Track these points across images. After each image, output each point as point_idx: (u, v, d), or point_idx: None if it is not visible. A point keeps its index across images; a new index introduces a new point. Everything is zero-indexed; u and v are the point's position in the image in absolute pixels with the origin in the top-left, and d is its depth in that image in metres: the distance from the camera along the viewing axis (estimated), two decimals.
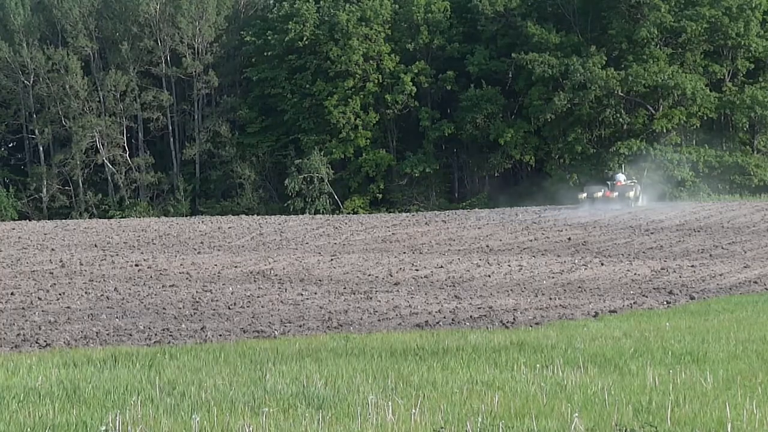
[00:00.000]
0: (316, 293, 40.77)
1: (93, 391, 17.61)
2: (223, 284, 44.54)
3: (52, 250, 62.25)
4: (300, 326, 31.03)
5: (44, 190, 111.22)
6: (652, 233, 67.11)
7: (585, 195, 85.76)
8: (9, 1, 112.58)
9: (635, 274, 47.90)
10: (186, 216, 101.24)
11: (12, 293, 40.76)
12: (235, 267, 51.83)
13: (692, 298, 39.15)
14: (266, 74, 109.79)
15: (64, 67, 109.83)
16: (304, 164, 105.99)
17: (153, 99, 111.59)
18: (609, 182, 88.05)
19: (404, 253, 58.75)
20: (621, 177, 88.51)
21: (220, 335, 28.84)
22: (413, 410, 14.98)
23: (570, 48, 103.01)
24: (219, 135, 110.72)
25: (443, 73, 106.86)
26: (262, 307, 36.44)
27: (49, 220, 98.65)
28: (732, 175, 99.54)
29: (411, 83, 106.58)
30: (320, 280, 46.47)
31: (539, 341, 24.47)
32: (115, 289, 42.35)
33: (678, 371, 18.85)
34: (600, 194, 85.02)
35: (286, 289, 42.09)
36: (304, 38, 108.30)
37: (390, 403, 15.32)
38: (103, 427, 14.13)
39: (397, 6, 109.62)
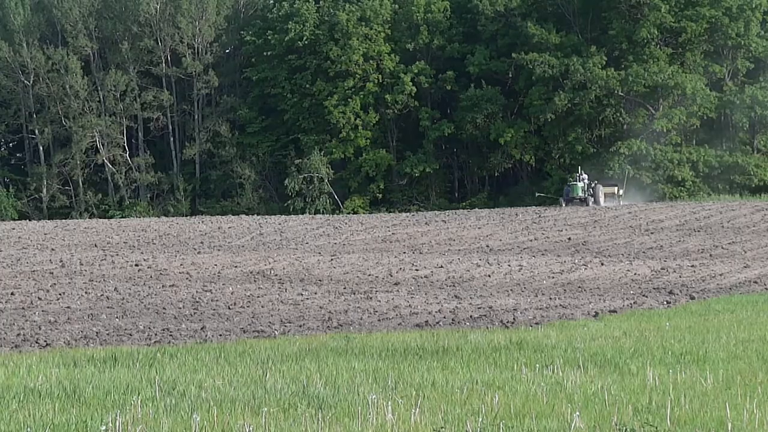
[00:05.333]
0: (316, 293, 40.78)
1: (93, 391, 17.61)
2: (223, 284, 44.54)
3: (52, 250, 62.25)
4: (300, 326, 31.04)
5: (44, 190, 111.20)
6: (652, 233, 67.12)
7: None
8: (9, 1, 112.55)
9: (635, 274, 47.91)
10: (186, 216, 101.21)
11: (12, 293, 40.75)
12: (235, 267, 51.83)
13: (692, 298, 39.16)
14: (266, 74, 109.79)
15: (64, 67, 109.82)
16: (304, 164, 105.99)
17: (153, 99, 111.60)
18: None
19: (404, 253, 58.75)
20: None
21: (220, 335, 28.84)
22: (413, 410, 14.98)
23: (570, 48, 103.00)
24: (219, 135, 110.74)
25: (443, 73, 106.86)
26: (262, 307, 36.46)
27: (49, 220, 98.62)
28: (732, 175, 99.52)
29: (411, 83, 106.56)
30: (320, 280, 46.47)
31: (539, 341, 24.47)
32: (115, 289, 42.35)
33: (678, 371, 18.85)
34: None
35: (286, 289, 42.10)
36: (304, 38, 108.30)
37: (390, 403, 15.32)
38: (103, 427, 14.13)
39: (397, 6, 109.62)
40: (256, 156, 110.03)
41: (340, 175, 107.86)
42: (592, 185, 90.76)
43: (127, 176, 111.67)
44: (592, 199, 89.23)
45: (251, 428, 14.03)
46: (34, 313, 34.49)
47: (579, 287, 43.64)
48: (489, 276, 47.66)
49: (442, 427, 14.17)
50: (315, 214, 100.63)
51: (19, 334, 29.15)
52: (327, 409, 15.57)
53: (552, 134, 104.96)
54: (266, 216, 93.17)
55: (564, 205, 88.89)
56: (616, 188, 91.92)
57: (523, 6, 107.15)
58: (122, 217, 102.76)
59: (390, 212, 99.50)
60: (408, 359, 21.66)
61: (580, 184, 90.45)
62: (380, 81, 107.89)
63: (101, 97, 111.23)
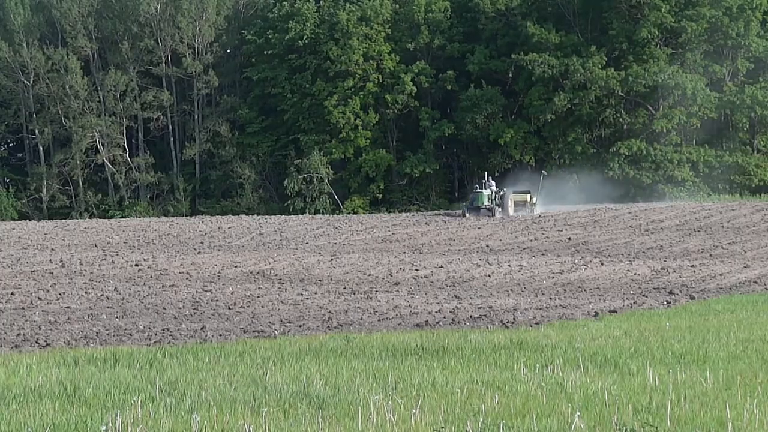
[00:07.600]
0: (316, 293, 40.78)
1: (93, 391, 17.61)
2: (223, 284, 44.55)
3: (52, 250, 62.25)
4: (300, 326, 31.04)
5: (44, 190, 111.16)
6: (652, 233, 67.12)
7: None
8: (9, 1, 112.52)
9: (635, 274, 47.91)
10: (186, 216, 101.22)
11: (12, 293, 40.76)
12: (235, 267, 51.83)
13: (692, 298, 39.16)
14: (266, 74, 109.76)
15: (64, 67, 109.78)
16: (304, 164, 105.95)
17: (153, 99, 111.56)
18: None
19: (404, 253, 58.76)
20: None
21: (220, 335, 28.85)
22: (413, 410, 14.98)
23: (570, 48, 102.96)
24: (219, 135, 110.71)
25: (443, 73, 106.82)
26: (262, 307, 36.46)
27: (49, 220, 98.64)
28: (732, 175, 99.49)
29: (411, 83, 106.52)
30: (320, 280, 46.48)
31: (539, 341, 24.47)
32: (115, 289, 42.36)
33: (678, 371, 18.85)
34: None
35: (286, 289, 42.11)
36: (304, 38, 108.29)
37: (390, 403, 15.32)
38: (103, 427, 14.13)
39: (397, 5, 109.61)
40: (256, 156, 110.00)
41: (340, 175, 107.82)
42: (501, 193, 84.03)
43: (127, 176, 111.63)
44: (500, 208, 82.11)
45: (251, 428, 14.03)
46: (34, 313, 34.49)
47: (579, 287, 43.64)
48: (489, 276, 47.67)
49: (442, 427, 14.17)
50: (315, 214, 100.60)
51: (19, 334, 29.16)
52: (327, 409, 15.57)
53: (552, 134, 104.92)
54: (266, 216, 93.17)
55: (467, 214, 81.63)
56: (528, 196, 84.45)
57: (524, 6, 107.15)
58: (122, 217, 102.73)
59: (390, 212, 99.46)
60: (408, 359, 21.66)
61: (486, 192, 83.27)
62: (380, 81, 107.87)
63: (101, 97, 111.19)
